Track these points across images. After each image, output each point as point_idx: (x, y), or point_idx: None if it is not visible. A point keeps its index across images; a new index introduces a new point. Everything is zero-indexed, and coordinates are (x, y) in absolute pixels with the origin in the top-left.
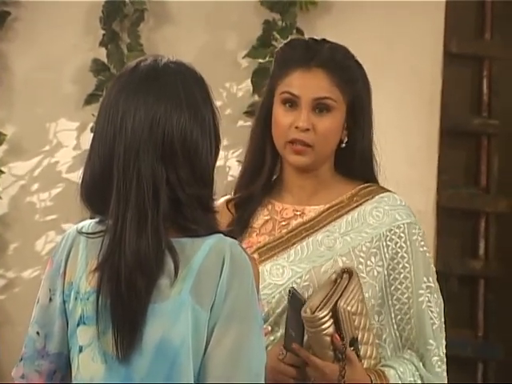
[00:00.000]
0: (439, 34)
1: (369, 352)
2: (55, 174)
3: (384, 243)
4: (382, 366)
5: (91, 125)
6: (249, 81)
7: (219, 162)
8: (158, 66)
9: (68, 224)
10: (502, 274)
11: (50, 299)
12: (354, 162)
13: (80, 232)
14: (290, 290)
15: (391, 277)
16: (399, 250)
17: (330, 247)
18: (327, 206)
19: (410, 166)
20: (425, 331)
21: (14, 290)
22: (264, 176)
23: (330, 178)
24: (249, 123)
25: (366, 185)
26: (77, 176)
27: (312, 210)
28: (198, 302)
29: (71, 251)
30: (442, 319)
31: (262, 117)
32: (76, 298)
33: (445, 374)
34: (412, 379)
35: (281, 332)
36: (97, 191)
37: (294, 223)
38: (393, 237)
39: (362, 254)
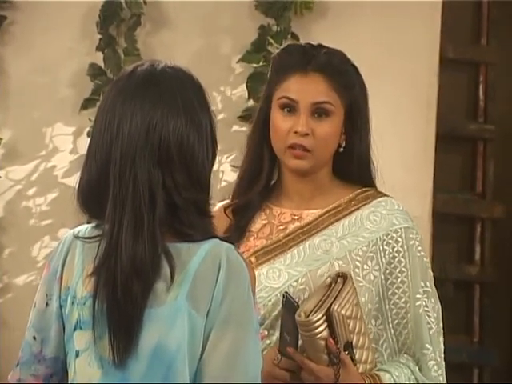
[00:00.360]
0: (435, 39)
1: (364, 356)
2: (51, 179)
3: (381, 247)
4: (378, 370)
5: (88, 129)
6: (243, 85)
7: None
8: (155, 71)
9: (64, 229)
10: (497, 280)
11: (47, 304)
12: (352, 167)
13: (77, 236)
14: (283, 295)
15: (388, 281)
16: (396, 255)
17: (327, 251)
18: (325, 210)
19: (406, 171)
20: (421, 336)
21: (9, 295)
22: (262, 182)
23: (327, 182)
24: (244, 128)
25: (363, 189)
26: (73, 181)
27: (310, 215)
28: (195, 307)
29: (68, 256)
30: (440, 324)
31: (260, 122)
32: (72, 303)
33: (442, 378)
34: (407, 383)
35: (277, 335)
36: (93, 196)
37: (291, 227)
38: (390, 241)
39: (358, 258)
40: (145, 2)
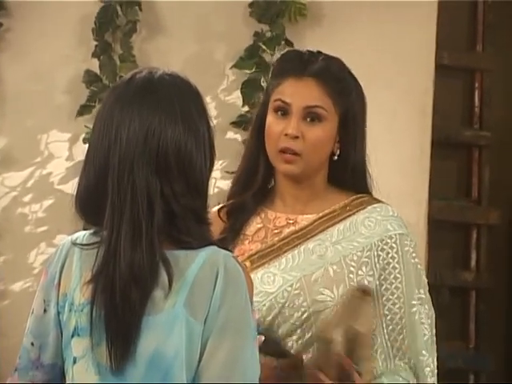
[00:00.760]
0: (431, 45)
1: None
2: (47, 186)
3: (375, 253)
4: None
5: (83, 136)
6: (237, 92)
7: None
8: (153, 78)
9: (60, 235)
10: (493, 286)
11: (45, 310)
12: (347, 175)
13: (74, 243)
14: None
15: (383, 287)
16: (391, 261)
17: (321, 256)
18: (320, 214)
19: (401, 178)
20: (417, 342)
21: (5, 302)
22: (256, 185)
23: (323, 188)
24: (237, 135)
25: (359, 195)
26: (69, 187)
27: (305, 219)
28: (192, 315)
29: (65, 262)
30: (434, 331)
31: (257, 126)
32: (70, 310)
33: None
34: None
35: None
36: (91, 202)
37: (286, 231)
38: (384, 247)
39: (352, 263)
40: (140, 9)
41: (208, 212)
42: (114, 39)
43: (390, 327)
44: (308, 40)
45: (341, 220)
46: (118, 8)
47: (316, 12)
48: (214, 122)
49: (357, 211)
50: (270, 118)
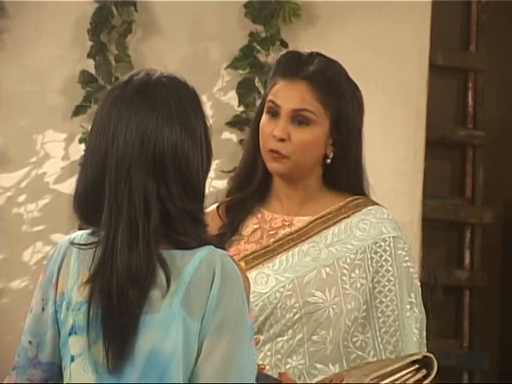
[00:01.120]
0: (425, 46)
1: None
2: (43, 185)
3: (369, 255)
4: None
5: (79, 136)
6: (232, 92)
7: None
8: (150, 81)
9: (55, 235)
10: (486, 284)
11: (43, 308)
12: (342, 177)
13: (72, 243)
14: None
15: (376, 290)
16: (384, 264)
17: (315, 258)
18: (315, 217)
19: (395, 177)
20: (407, 346)
21: (1, 301)
22: (254, 184)
23: (317, 190)
24: (233, 135)
25: (354, 197)
26: (64, 187)
27: (300, 221)
28: (189, 314)
29: (63, 261)
30: (423, 334)
31: (255, 125)
32: (68, 308)
33: None
34: None
35: (262, 339)
36: (89, 203)
37: (281, 233)
38: (378, 249)
39: (345, 266)
40: (136, 10)
41: (204, 214)
42: (109, 40)
43: (383, 329)
44: (303, 40)
45: (336, 222)
46: (114, 8)
47: (310, 12)
48: (209, 122)
49: (352, 213)
50: (263, 119)
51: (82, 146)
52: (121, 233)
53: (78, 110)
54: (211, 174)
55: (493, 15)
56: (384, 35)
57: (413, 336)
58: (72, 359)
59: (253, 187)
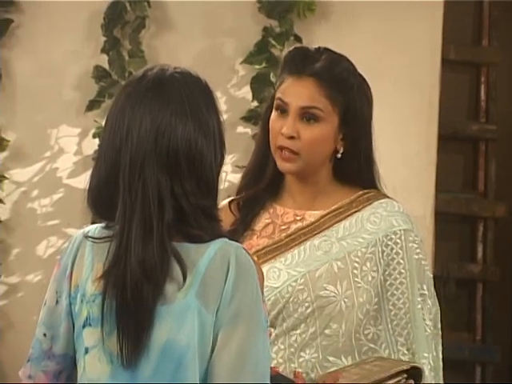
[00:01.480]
0: (437, 40)
1: None
2: (56, 180)
3: (380, 248)
4: None
5: (93, 131)
6: (247, 87)
7: None
8: (164, 76)
9: (69, 229)
10: (499, 278)
11: (57, 301)
12: (353, 171)
13: (86, 236)
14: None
15: (387, 282)
16: (395, 256)
17: (327, 252)
18: (327, 211)
19: (408, 172)
20: (419, 339)
21: (16, 295)
22: (266, 179)
23: (328, 184)
24: (247, 129)
25: (365, 191)
26: (78, 182)
27: (312, 215)
28: (204, 305)
29: (77, 254)
30: (438, 325)
31: (265, 121)
32: (82, 301)
33: (438, 378)
34: None
35: (275, 333)
36: (103, 198)
37: (293, 227)
38: (389, 242)
39: (357, 260)
40: (149, 5)
41: (218, 209)
42: (122, 35)
43: (395, 322)
44: (316, 35)
45: (347, 216)
46: (127, 4)
47: (324, 8)
48: (224, 117)
49: (363, 207)
50: (273, 115)
51: (96, 141)
52: (134, 229)
53: (92, 105)
54: (226, 168)
55: (505, 9)
56: (396, 30)
57: (424, 328)
58: (86, 351)
59: (264, 183)
